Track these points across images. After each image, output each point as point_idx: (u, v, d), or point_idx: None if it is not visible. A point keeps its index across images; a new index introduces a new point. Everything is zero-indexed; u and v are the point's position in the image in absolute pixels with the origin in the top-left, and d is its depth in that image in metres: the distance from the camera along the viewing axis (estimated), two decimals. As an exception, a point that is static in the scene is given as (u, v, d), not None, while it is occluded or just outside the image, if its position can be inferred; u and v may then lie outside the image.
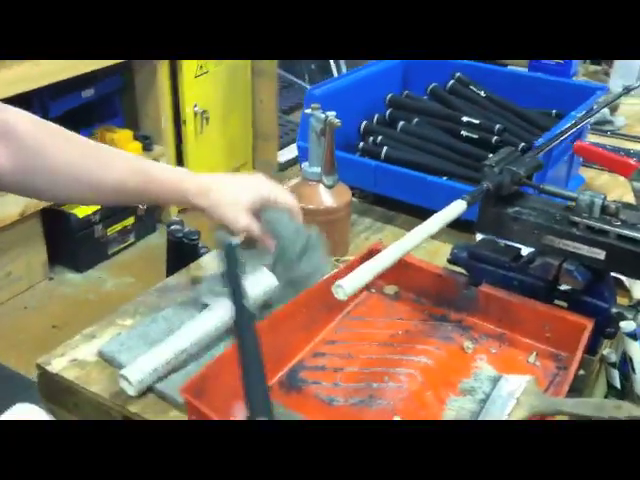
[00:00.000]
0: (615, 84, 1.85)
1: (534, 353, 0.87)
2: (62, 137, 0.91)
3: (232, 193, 0.92)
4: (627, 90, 1.30)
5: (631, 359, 0.86)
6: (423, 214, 0.90)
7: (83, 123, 2.77)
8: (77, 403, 0.87)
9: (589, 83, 1.41)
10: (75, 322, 2.33)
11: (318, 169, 1.07)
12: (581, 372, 0.90)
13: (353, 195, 1.31)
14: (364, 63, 1.47)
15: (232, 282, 0.72)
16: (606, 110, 1.64)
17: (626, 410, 0.68)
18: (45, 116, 2.58)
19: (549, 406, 0.72)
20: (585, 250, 0.84)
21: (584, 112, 1.21)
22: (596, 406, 0.71)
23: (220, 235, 0.84)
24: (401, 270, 0.96)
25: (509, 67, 1.83)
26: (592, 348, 0.90)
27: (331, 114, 1.02)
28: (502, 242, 0.95)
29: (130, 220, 2.87)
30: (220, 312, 0.89)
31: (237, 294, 0.70)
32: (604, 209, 0.84)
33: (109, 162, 0.92)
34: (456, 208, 0.80)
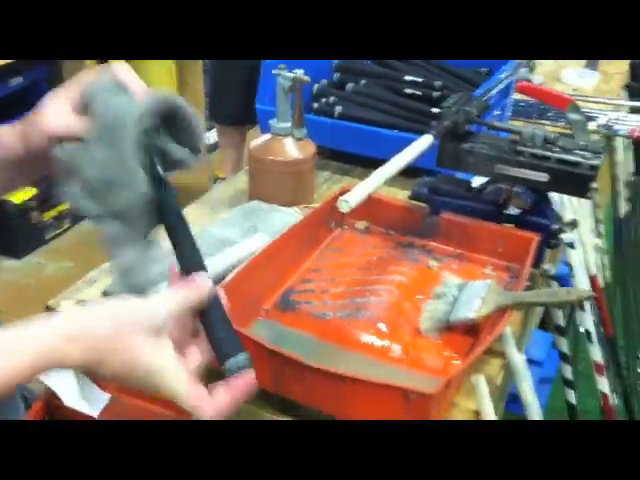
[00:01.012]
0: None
1: (489, 266, 1.01)
2: None
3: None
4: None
5: (571, 265, 1.01)
6: (376, 165, 1.02)
7: (13, 111, 2.76)
8: (88, 338, 0.95)
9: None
10: (18, 307, 2.34)
11: (287, 124, 1.18)
12: (527, 284, 1.05)
13: (310, 152, 1.43)
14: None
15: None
16: (526, 70, 1.82)
17: (575, 293, 0.83)
18: (-24, 104, 2.58)
19: (511, 299, 0.86)
20: (531, 174, 0.98)
21: (509, 69, 1.36)
22: (550, 294, 0.85)
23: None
24: (370, 206, 1.08)
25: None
26: (537, 262, 1.05)
27: (299, 72, 1.12)
28: (455, 177, 1.08)
29: (65, 205, 2.89)
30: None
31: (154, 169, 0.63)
32: (545, 139, 0.98)
33: None
34: (425, 140, 0.92)
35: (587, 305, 1.02)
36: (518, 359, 0.89)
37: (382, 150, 1.27)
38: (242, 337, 0.72)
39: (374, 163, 1.18)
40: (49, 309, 0.97)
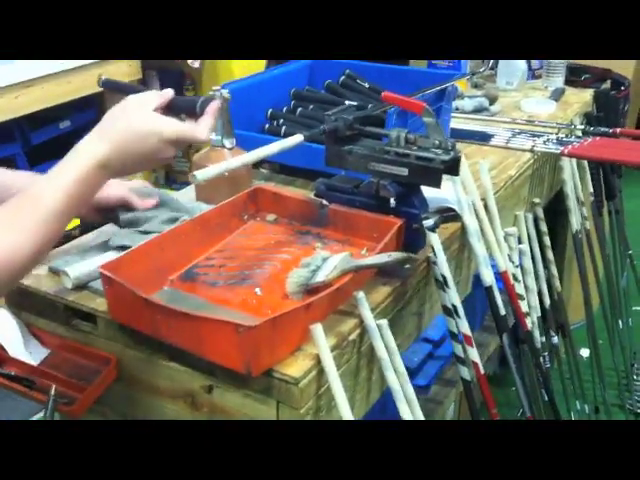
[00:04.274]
0: (500, 81, 2.21)
1: (365, 248, 1.19)
2: None
3: None
4: (472, 74, 1.65)
5: (432, 248, 1.18)
6: (313, 176, 1.23)
7: (61, 153, 3.09)
8: (32, 302, 1.18)
9: (449, 71, 1.75)
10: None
11: (218, 137, 1.40)
12: (407, 266, 1.22)
13: (262, 167, 1.65)
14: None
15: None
16: (483, 99, 2.00)
17: (394, 256, 1.01)
18: (27, 145, 2.92)
19: (352, 265, 1.04)
20: (394, 169, 1.16)
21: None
22: (377, 258, 1.03)
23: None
24: (278, 201, 1.29)
25: (410, 65, 2.20)
26: (415, 247, 1.22)
27: (224, 91, 1.35)
28: (350, 177, 1.27)
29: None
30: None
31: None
32: (407, 140, 1.17)
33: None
34: (295, 139, 1.13)
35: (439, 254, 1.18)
36: (370, 320, 1.06)
37: (313, 161, 1.49)
38: (134, 297, 0.95)
39: (311, 174, 1.41)
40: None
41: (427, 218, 1.17)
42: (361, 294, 1.06)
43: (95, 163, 0.87)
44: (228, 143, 1.40)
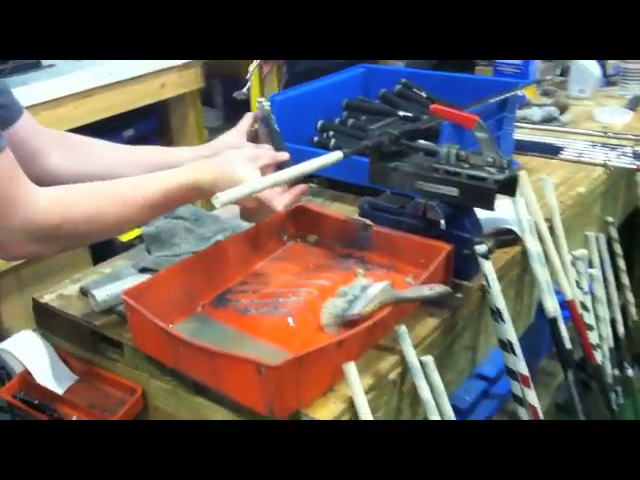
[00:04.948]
0: (572, 88, 2.06)
1: (411, 275, 1.09)
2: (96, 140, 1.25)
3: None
4: (538, 81, 1.52)
5: (486, 276, 1.06)
6: (363, 192, 1.15)
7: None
8: (60, 325, 1.13)
9: (510, 79, 1.62)
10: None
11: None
12: (458, 295, 1.11)
13: (311, 181, 1.56)
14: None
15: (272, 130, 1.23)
16: (553, 108, 1.86)
17: (435, 289, 0.90)
18: (89, 153, 2.93)
19: (391, 296, 0.94)
20: (443, 189, 1.06)
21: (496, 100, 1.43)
22: (417, 290, 0.93)
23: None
24: (319, 221, 1.21)
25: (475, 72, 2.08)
26: (467, 274, 1.11)
27: (265, 103, 1.27)
28: (398, 194, 1.17)
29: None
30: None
31: (276, 135, 1.22)
32: (457, 156, 1.06)
33: (147, 148, 1.24)
34: (333, 156, 1.04)
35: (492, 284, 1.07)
36: (412, 357, 0.96)
37: (365, 178, 1.39)
38: (155, 327, 0.89)
39: (361, 190, 1.32)
40: (34, 300, 1.16)
41: (480, 243, 1.06)
42: (403, 328, 0.96)
43: (195, 182, 1.01)
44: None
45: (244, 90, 2.46)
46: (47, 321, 1.15)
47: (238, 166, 1.03)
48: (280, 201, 1.05)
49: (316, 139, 1.56)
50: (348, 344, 0.90)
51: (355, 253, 1.17)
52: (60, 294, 1.17)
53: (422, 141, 1.12)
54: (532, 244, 1.24)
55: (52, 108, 2.53)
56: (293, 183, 1.08)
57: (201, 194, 1.02)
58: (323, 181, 1.55)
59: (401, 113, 1.54)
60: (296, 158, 1.35)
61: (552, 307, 1.27)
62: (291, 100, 1.57)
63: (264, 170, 1.07)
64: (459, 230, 1.08)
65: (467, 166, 1.05)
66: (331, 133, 1.56)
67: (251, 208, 1.13)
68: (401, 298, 0.94)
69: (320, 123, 1.60)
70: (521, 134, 1.78)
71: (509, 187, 1.04)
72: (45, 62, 2.67)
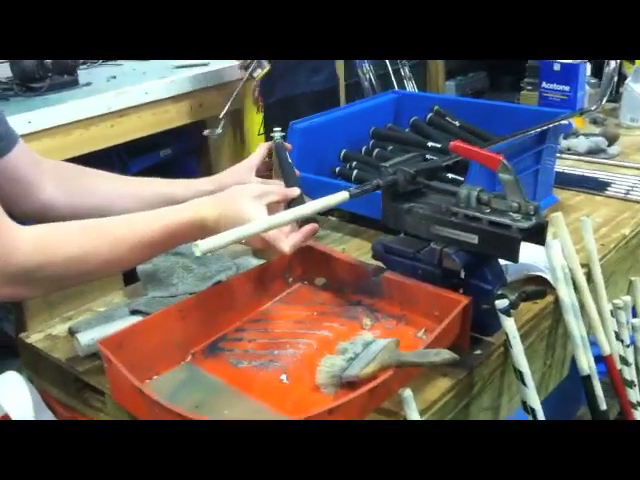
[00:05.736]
0: (624, 117, 1.91)
1: (423, 329, 0.98)
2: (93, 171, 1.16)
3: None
4: (580, 112, 1.39)
5: (507, 334, 0.94)
6: (386, 228, 1.05)
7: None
8: (45, 367, 1.06)
9: (552, 109, 1.50)
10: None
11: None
12: (477, 352, 1.00)
13: (332, 214, 1.47)
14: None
15: (283, 162, 1.14)
16: (601, 139, 1.72)
17: (441, 355, 0.79)
18: (125, 173, 2.91)
19: (392, 359, 0.83)
20: (462, 236, 0.95)
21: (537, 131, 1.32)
22: (422, 354, 0.82)
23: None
24: (328, 263, 1.10)
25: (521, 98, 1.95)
26: (487, 329, 1.00)
27: (277, 135, 1.18)
28: (416, 236, 1.07)
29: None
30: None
31: (287, 168, 1.13)
32: (479, 199, 0.95)
33: (143, 181, 1.16)
34: (339, 196, 0.94)
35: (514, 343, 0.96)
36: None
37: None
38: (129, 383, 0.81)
39: (385, 226, 1.21)
40: (20, 340, 1.09)
41: (502, 296, 0.95)
42: (407, 392, 0.85)
43: (199, 219, 0.94)
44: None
45: (218, 129, 2.43)
46: (33, 363, 1.08)
47: (244, 203, 0.95)
48: (287, 242, 0.96)
49: (338, 169, 1.47)
50: (340, 412, 0.79)
51: (364, 300, 1.06)
52: (48, 334, 1.09)
53: (448, 178, 1.00)
54: (566, 294, 1.11)
55: (87, 127, 2.50)
56: (303, 222, 0.99)
57: (203, 232, 0.92)
58: (344, 214, 1.46)
59: (430, 144, 1.43)
60: (314, 190, 1.26)
61: (586, 364, 1.13)
62: (314, 128, 1.48)
63: (272, 207, 0.99)
64: (479, 280, 0.97)
65: (489, 211, 0.93)
66: (354, 163, 1.46)
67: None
68: (403, 362, 0.83)
69: (343, 152, 1.50)
70: (564, 166, 1.66)
71: (536, 236, 0.92)
72: (82, 80, 2.65)
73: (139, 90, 2.61)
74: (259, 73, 2.38)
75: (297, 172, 1.16)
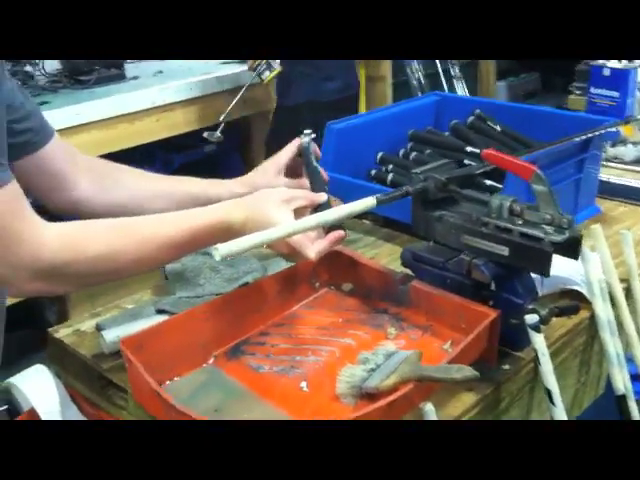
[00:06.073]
0: (675, 126, 1.84)
1: (449, 341, 0.96)
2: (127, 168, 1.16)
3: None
4: (626, 121, 1.34)
5: (536, 351, 0.91)
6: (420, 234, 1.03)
7: (204, 175, 3.08)
8: (72, 363, 1.07)
9: (598, 117, 1.45)
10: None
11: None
12: (506, 367, 0.97)
13: (366, 218, 1.45)
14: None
15: (310, 166, 1.12)
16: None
17: (462, 372, 0.77)
18: (169, 167, 2.94)
19: (413, 372, 0.81)
20: (492, 247, 0.92)
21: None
22: (444, 370, 0.79)
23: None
24: (355, 269, 1.09)
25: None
26: (517, 344, 0.97)
27: (306, 137, 1.16)
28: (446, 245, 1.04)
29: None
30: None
31: (313, 172, 1.11)
32: (511, 210, 0.92)
33: (175, 179, 1.16)
34: (366, 203, 0.92)
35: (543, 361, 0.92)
36: (437, 440, 0.83)
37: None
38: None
39: None
40: (49, 334, 1.10)
41: (533, 311, 0.91)
42: (429, 406, 0.83)
43: (226, 222, 0.94)
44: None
45: (217, 132, 2.41)
46: (60, 358, 1.09)
47: (271, 208, 0.94)
48: (313, 248, 0.95)
49: (373, 172, 1.45)
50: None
51: (391, 308, 1.04)
52: (76, 329, 1.10)
53: (485, 184, 0.98)
54: (602, 310, 1.07)
55: (132, 120, 2.53)
56: (329, 228, 0.97)
57: (230, 235, 0.92)
58: (378, 218, 1.44)
59: (469, 149, 1.40)
60: (348, 192, 1.24)
61: (621, 383, 1.09)
62: (351, 129, 1.47)
63: (299, 212, 0.97)
64: (509, 293, 0.94)
65: (521, 222, 0.90)
66: (390, 167, 1.43)
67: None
68: (424, 376, 0.81)
69: (380, 155, 1.48)
70: (609, 175, 1.60)
71: (569, 249, 0.89)
72: (129, 74, 2.68)
73: (185, 85, 2.63)
74: (268, 75, 2.34)
75: (325, 175, 1.14)
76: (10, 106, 0.96)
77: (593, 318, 1.09)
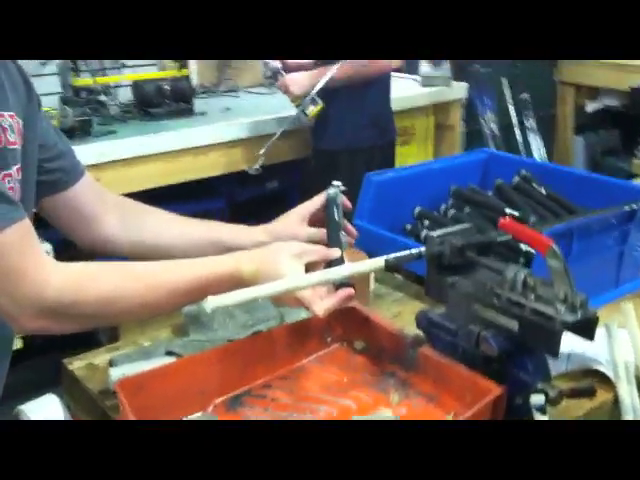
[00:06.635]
0: None
1: (452, 413, 0.92)
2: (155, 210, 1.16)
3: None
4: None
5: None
6: None
7: (263, 211, 3.11)
8: (81, 395, 1.08)
9: (647, 186, 1.39)
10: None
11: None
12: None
13: (399, 272, 1.42)
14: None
15: (330, 220, 1.08)
16: None
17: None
18: (232, 201, 2.98)
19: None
20: (502, 320, 0.88)
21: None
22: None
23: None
24: (368, 327, 1.07)
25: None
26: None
27: (333, 189, 1.14)
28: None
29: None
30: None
31: (332, 226, 1.07)
32: (525, 284, 0.88)
33: (200, 223, 1.16)
34: (374, 263, 0.90)
35: None
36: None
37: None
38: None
39: None
40: (63, 365, 1.12)
41: (540, 391, 0.87)
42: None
43: (237, 273, 0.93)
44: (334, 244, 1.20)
45: (257, 166, 2.41)
46: (71, 389, 1.11)
47: (282, 261, 0.94)
48: (321, 305, 0.93)
49: (409, 227, 1.43)
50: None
51: (399, 372, 1.01)
52: (89, 363, 1.12)
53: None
54: (627, 393, 1.01)
55: (196, 154, 2.58)
56: (339, 285, 0.96)
57: (240, 286, 0.92)
58: (410, 274, 1.41)
59: (508, 211, 1.36)
60: (378, 245, 1.23)
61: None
62: (392, 181, 1.46)
63: (311, 266, 0.96)
64: (518, 370, 0.90)
65: (533, 297, 0.87)
66: (426, 222, 1.41)
67: None
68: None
69: (417, 210, 1.46)
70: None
71: (583, 330, 0.84)
72: (197, 109, 2.75)
73: (250, 123, 2.67)
74: (311, 110, 2.33)
75: (353, 231, 1.11)
76: (43, 145, 1.00)
77: (617, 402, 1.03)
